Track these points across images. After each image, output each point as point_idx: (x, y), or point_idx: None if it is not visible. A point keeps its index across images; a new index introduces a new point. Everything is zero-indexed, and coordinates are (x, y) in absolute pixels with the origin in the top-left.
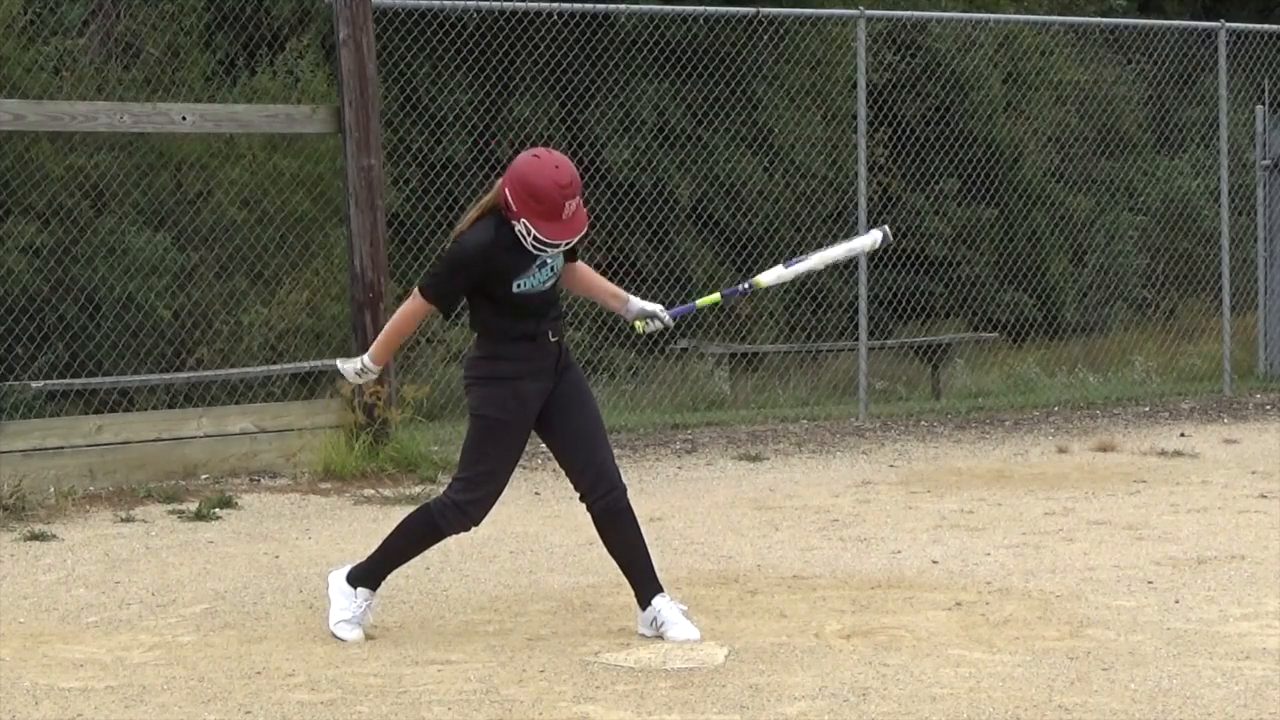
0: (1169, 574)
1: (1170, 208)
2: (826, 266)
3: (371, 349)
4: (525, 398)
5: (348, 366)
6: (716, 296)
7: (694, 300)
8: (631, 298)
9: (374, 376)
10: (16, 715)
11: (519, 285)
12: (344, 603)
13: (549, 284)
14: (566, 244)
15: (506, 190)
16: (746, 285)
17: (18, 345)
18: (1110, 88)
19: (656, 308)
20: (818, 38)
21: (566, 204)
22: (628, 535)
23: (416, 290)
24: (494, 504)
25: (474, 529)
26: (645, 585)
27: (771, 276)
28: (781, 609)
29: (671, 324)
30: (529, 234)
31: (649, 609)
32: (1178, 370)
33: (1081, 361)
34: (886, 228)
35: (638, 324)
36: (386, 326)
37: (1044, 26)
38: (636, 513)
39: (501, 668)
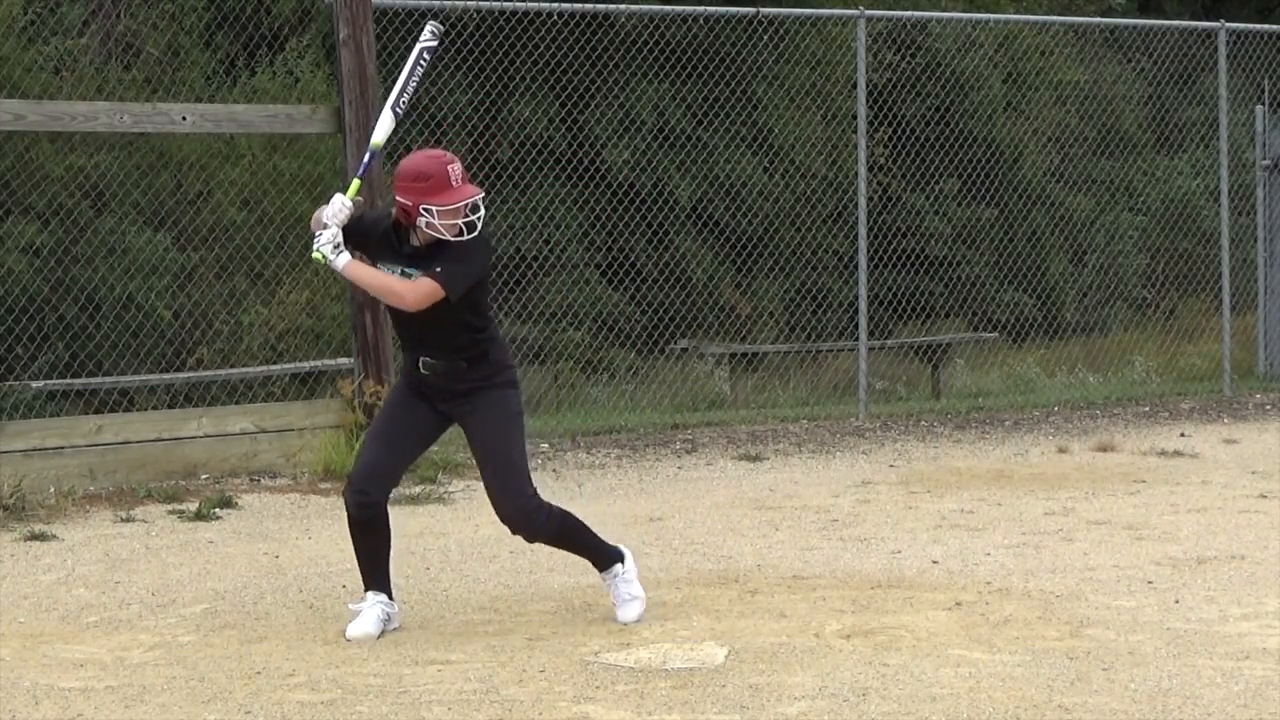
0: (1169, 574)
1: (1170, 208)
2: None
3: (357, 268)
4: (406, 389)
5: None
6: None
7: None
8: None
9: (340, 221)
10: (16, 715)
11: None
12: (358, 607)
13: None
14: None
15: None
16: (367, 155)
17: (18, 345)
18: (1110, 88)
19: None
20: (818, 38)
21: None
22: (562, 545)
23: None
24: (368, 483)
25: (362, 508)
26: (599, 564)
27: (384, 128)
28: (781, 609)
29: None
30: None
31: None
32: (1178, 370)
33: (1081, 361)
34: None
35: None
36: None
37: (1044, 26)
38: (633, 513)
39: (501, 668)
